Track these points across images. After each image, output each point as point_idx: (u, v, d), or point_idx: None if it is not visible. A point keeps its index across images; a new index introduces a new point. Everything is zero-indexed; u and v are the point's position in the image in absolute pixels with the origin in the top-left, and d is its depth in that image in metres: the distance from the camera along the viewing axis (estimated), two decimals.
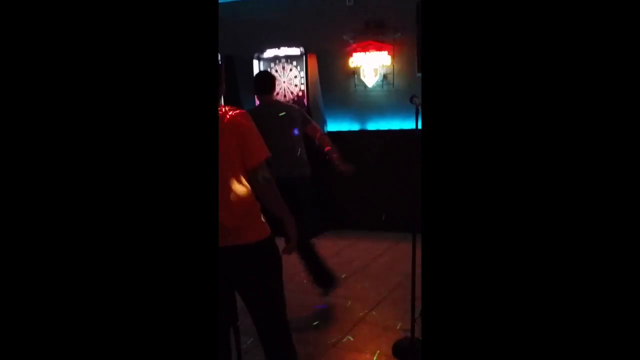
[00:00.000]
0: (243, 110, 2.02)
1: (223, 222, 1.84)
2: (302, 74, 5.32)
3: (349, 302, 3.49)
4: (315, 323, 3.18)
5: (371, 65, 5.32)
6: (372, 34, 5.28)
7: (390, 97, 5.33)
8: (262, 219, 2.01)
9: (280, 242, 2.01)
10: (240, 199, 1.93)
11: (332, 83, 5.53)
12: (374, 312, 3.33)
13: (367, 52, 5.27)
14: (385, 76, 5.33)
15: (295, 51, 5.29)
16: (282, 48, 5.32)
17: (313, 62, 5.38)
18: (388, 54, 5.23)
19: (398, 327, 3.03)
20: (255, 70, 5.36)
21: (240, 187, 1.93)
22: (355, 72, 5.41)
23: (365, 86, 5.39)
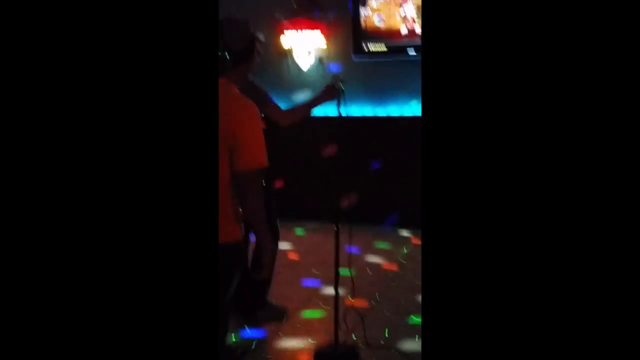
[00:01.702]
0: (251, 103, 1.69)
1: None
2: None
3: (274, 302, 3.23)
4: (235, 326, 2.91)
5: (305, 46, 5.03)
6: (305, 12, 4.98)
7: (326, 81, 5.06)
8: (234, 221, 1.72)
9: None
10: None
11: (265, 65, 5.19)
12: (299, 313, 3.09)
13: (300, 31, 4.97)
14: (320, 59, 5.06)
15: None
16: None
17: None
18: (322, 34, 4.96)
19: (323, 330, 2.80)
20: None
21: (221, 184, 1.63)
22: (288, 53, 5.11)
23: (300, 69, 5.10)
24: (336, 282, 2.55)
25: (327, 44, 5.00)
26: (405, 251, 4.24)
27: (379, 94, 4.92)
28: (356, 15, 4.83)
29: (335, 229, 2.53)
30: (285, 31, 5.03)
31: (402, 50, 4.73)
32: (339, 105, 2.42)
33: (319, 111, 5.04)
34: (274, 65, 5.20)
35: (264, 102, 2.64)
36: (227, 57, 1.74)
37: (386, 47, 4.79)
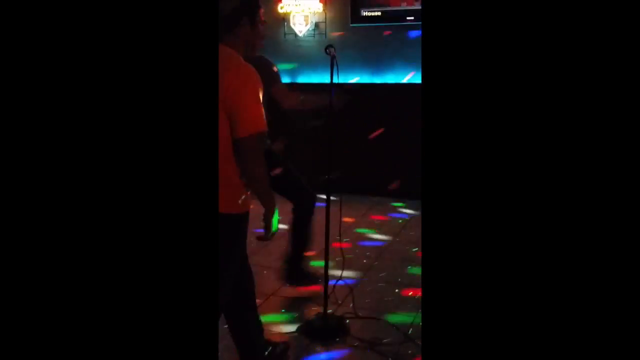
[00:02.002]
0: (249, 66, 1.64)
1: None
2: None
3: (265, 272, 3.22)
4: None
5: (302, 12, 4.89)
6: None
7: (322, 49, 4.94)
8: (239, 191, 1.71)
9: None
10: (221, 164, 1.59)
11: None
12: (288, 284, 3.07)
13: None
14: (317, 25, 4.93)
15: None
16: None
17: None
18: (320, 1, 4.82)
19: (311, 302, 2.79)
20: None
21: (222, 152, 1.59)
22: (285, 19, 4.98)
23: (296, 35, 4.98)
24: (326, 250, 2.53)
25: (324, 10, 4.87)
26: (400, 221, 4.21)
27: (377, 62, 4.81)
28: None
29: (326, 199, 2.49)
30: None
31: (400, 17, 4.61)
32: (332, 71, 2.34)
33: (313, 79, 4.96)
34: (269, 31, 5.07)
35: (271, 80, 2.60)
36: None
37: (382, 13, 4.66)
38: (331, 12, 4.89)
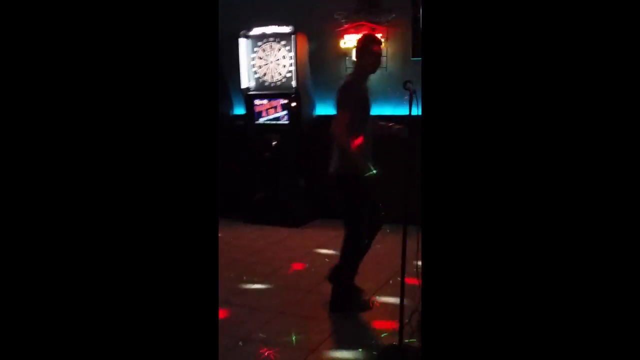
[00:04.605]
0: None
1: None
2: (291, 54, 5.02)
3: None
4: (292, 330, 2.94)
5: None
6: (365, 14, 4.98)
7: (383, 82, 5.05)
8: None
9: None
10: None
11: (323, 65, 5.24)
12: (359, 313, 3.10)
13: (360, 34, 4.97)
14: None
15: (284, 29, 4.99)
16: (270, 26, 5.02)
17: (303, 42, 5.08)
18: (381, 36, 4.95)
19: (384, 334, 2.79)
20: (242, 49, 5.07)
21: None
22: (346, 54, 5.13)
23: None
24: (402, 279, 2.54)
25: (386, 45, 4.99)
26: None
27: None
28: (415, 17, 4.80)
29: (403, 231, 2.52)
30: (345, 36, 5.05)
31: None
32: (410, 105, 2.42)
33: (388, 111, 5.06)
34: (332, 66, 5.23)
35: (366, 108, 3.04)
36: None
37: None
38: (392, 47, 5.01)
